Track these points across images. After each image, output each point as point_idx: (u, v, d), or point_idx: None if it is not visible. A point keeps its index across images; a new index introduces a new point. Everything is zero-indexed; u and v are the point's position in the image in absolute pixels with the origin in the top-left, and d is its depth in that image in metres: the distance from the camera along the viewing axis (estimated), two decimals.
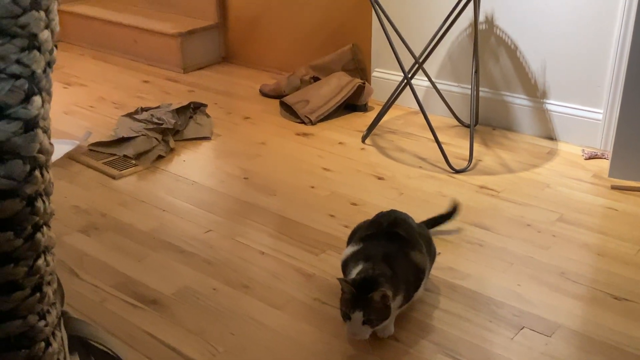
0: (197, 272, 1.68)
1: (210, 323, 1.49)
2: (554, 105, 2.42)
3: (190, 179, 2.19)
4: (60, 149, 2.28)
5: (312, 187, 2.12)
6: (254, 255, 1.75)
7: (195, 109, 2.60)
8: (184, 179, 2.19)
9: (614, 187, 2.08)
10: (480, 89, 2.50)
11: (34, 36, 0.59)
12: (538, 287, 1.61)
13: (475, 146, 2.33)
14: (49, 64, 0.62)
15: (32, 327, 0.65)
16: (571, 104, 2.38)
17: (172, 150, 2.37)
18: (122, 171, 2.21)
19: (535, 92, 2.44)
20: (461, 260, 1.72)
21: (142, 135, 2.35)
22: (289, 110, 2.69)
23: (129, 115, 2.54)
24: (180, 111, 2.52)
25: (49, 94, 0.63)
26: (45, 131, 0.62)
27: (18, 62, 0.58)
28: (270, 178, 2.18)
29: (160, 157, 2.31)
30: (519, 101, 2.48)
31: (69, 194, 2.06)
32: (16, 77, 0.58)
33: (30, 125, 0.60)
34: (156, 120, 2.44)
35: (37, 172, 0.61)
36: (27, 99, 0.59)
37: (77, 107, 2.80)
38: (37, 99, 0.60)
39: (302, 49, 3.08)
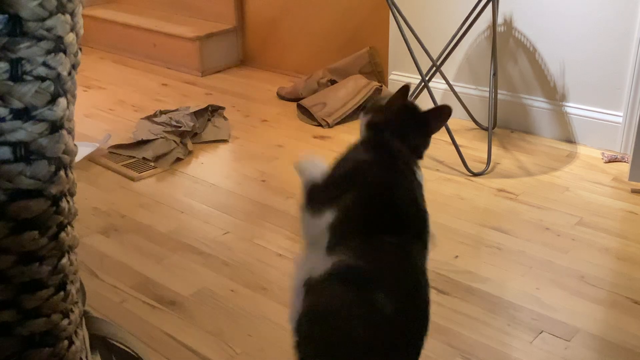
0: (215, 273, 1.69)
1: (228, 324, 1.50)
2: (573, 108, 2.40)
3: (208, 181, 2.20)
4: (80, 151, 2.30)
5: None
6: (272, 258, 1.76)
7: (213, 111, 2.62)
8: (202, 181, 2.20)
9: (634, 191, 2.06)
10: (498, 91, 2.49)
11: (60, 39, 0.60)
12: (557, 291, 1.60)
13: (494, 149, 2.32)
14: (74, 67, 0.64)
15: (56, 326, 0.66)
16: (591, 106, 2.36)
17: (190, 152, 2.38)
18: (141, 173, 2.23)
19: (554, 95, 2.43)
20: (480, 264, 1.71)
21: (161, 137, 2.37)
22: (306, 113, 2.69)
23: (148, 118, 2.56)
24: (198, 114, 2.54)
25: (74, 95, 0.64)
26: (70, 132, 0.63)
27: (44, 64, 0.59)
28: (287, 181, 2.19)
29: (178, 159, 2.32)
30: (538, 104, 2.47)
31: (89, 196, 2.08)
32: (42, 79, 0.59)
33: (56, 126, 0.61)
34: (175, 123, 2.46)
35: (62, 173, 0.62)
36: (52, 100, 0.60)
37: (97, 110, 2.83)
38: (62, 101, 0.61)
39: (320, 52, 3.09)
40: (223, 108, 2.67)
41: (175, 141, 2.37)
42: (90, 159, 2.32)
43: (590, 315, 1.52)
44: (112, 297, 1.60)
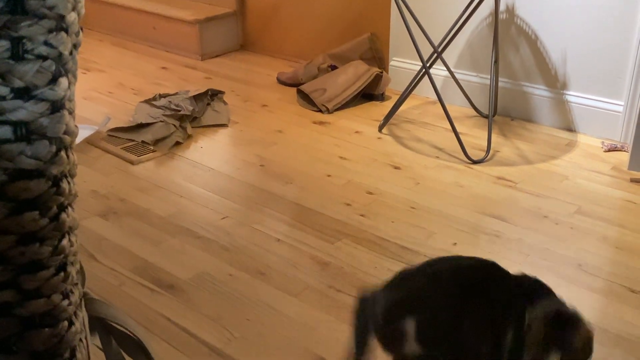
0: (213, 258, 1.69)
1: (227, 309, 1.50)
2: (573, 96, 2.40)
3: (207, 165, 2.20)
4: (79, 133, 2.30)
5: (329, 175, 2.12)
6: (270, 243, 1.76)
7: (212, 96, 2.61)
8: (201, 165, 2.20)
9: (633, 180, 2.06)
10: (499, 79, 2.48)
11: (62, 18, 0.59)
12: (555, 279, 1.60)
13: (493, 137, 2.32)
14: (75, 46, 0.63)
15: (56, 306, 0.66)
16: (591, 95, 2.36)
17: (189, 136, 2.38)
18: (140, 157, 2.23)
19: (555, 83, 2.42)
20: (477, 251, 1.71)
21: (160, 121, 2.36)
22: (306, 99, 2.68)
23: (147, 101, 2.55)
24: (197, 98, 2.53)
25: (75, 76, 0.64)
26: (71, 113, 0.63)
27: (46, 43, 0.58)
28: (286, 166, 2.18)
29: (177, 143, 2.32)
30: (539, 92, 2.46)
31: (87, 179, 2.08)
32: (44, 58, 0.58)
33: (57, 106, 0.60)
34: (174, 107, 2.45)
35: (62, 153, 0.62)
36: (54, 80, 0.60)
37: (96, 92, 2.82)
38: (63, 81, 0.61)
39: (320, 38, 3.07)
40: (223, 92, 2.66)
41: (174, 125, 2.36)
42: (89, 141, 2.32)
43: (588, 304, 1.52)
44: (111, 280, 1.60)
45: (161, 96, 2.58)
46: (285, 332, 1.43)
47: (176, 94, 2.60)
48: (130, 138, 2.34)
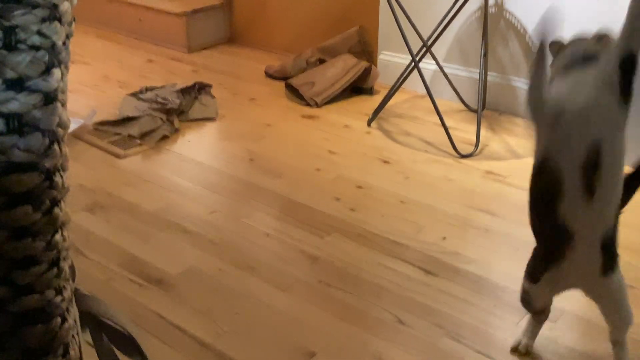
0: (202, 252, 1.68)
1: (216, 303, 1.49)
2: None
3: (195, 159, 2.18)
4: None
5: (318, 169, 2.12)
6: (260, 237, 1.75)
7: (200, 89, 2.59)
8: (189, 159, 2.18)
9: None
10: (488, 73, 2.49)
11: (55, 7, 0.58)
12: None
13: (482, 131, 2.32)
14: (68, 36, 0.62)
15: (49, 302, 0.65)
16: None
17: (176, 130, 2.36)
18: (127, 150, 2.20)
19: None
20: (467, 245, 1.72)
21: (147, 115, 2.34)
22: (294, 92, 2.67)
23: (134, 94, 2.53)
24: (185, 91, 2.51)
25: (67, 67, 0.63)
26: (63, 104, 0.62)
27: (39, 33, 0.57)
28: (275, 160, 2.17)
29: (165, 137, 2.30)
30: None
31: (74, 173, 2.04)
32: (37, 48, 0.57)
33: (50, 98, 0.59)
34: (161, 100, 2.42)
35: (55, 146, 0.61)
36: (47, 71, 0.58)
37: (82, 85, 2.78)
38: (56, 71, 0.59)
39: (309, 31, 3.06)
40: (210, 86, 2.63)
41: (161, 118, 2.34)
42: (75, 135, 2.29)
43: (576, 297, 1.52)
44: (99, 275, 1.58)
45: (148, 89, 2.56)
46: (274, 327, 1.43)
47: (163, 87, 2.57)
48: (117, 132, 2.31)
